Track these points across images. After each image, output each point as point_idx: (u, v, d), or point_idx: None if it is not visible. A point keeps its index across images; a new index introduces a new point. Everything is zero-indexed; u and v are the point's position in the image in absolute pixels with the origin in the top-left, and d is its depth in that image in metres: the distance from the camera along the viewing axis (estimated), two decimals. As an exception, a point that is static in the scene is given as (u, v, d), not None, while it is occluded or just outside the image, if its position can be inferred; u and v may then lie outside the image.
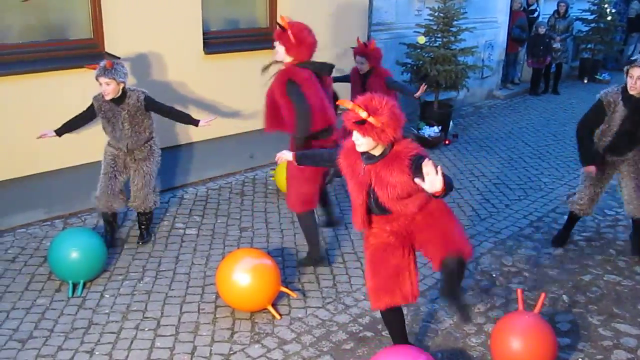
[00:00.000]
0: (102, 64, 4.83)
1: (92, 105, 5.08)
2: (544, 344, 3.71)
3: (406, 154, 3.26)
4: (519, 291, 4.05)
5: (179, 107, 5.44)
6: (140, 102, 5.00)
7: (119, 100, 4.95)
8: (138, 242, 5.45)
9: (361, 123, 3.16)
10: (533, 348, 3.69)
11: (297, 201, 4.94)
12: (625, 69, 4.80)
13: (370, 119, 3.13)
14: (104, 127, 5.12)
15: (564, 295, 4.88)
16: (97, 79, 4.85)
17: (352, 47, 6.82)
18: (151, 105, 5.07)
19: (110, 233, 5.45)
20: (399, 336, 3.84)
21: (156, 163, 5.30)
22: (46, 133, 5.15)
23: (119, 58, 5.20)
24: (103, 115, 5.04)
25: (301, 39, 4.64)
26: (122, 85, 4.91)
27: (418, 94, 6.71)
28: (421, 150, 3.31)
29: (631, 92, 4.76)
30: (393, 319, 3.78)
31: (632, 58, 4.80)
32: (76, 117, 5.17)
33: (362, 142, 3.25)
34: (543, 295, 4.00)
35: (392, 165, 3.27)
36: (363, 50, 6.63)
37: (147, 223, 5.49)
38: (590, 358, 4.13)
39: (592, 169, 5.08)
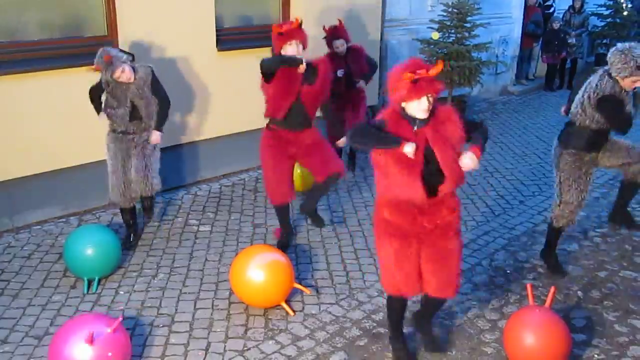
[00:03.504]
0: (100, 60, 4.82)
1: (100, 79, 5.03)
2: (556, 337, 3.70)
3: (454, 112, 3.41)
4: (528, 286, 4.06)
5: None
6: (148, 76, 4.99)
7: None
8: (145, 218, 5.52)
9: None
10: (545, 341, 3.69)
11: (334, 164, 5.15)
12: (622, 76, 4.43)
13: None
14: (107, 105, 5.03)
15: (579, 292, 4.84)
16: (112, 77, 4.84)
17: (324, 38, 6.64)
18: (155, 82, 5.06)
19: (131, 234, 5.42)
20: (398, 323, 3.94)
21: (157, 148, 5.26)
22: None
23: (132, 55, 5.23)
24: (110, 90, 4.97)
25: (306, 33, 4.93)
26: (129, 63, 4.93)
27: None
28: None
29: (628, 90, 4.53)
30: (399, 307, 3.85)
31: (622, 65, 4.39)
32: (92, 89, 5.14)
33: (432, 102, 3.32)
34: (553, 289, 3.98)
35: (447, 123, 3.38)
36: (338, 32, 6.56)
37: (150, 206, 5.47)
38: (605, 354, 4.10)
39: None
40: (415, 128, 3.36)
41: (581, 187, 4.82)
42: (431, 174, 3.39)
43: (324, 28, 6.63)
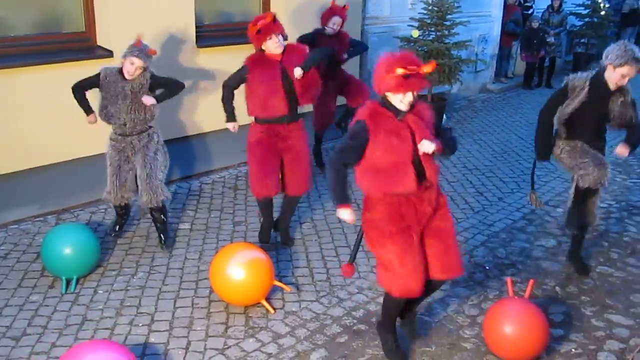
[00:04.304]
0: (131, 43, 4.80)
1: (99, 74, 4.93)
2: (534, 327, 3.80)
3: (427, 107, 3.58)
4: (508, 280, 4.11)
5: (171, 101, 5.39)
6: (145, 80, 4.89)
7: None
8: (162, 248, 5.28)
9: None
10: (523, 329, 3.78)
11: (310, 179, 5.33)
12: (617, 63, 4.46)
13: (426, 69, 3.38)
14: (102, 103, 4.91)
15: (557, 287, 4.89)
16: (124, 57, 4.79)
17: (329, 8, 6.78)
18: (156, 82, 4.96)
19: (118, 224, 5.44)
20: (393, 321, 3.92)
21: (160, 153, 5.11)
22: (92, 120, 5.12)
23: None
24: (105, 87, 4.87)
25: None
26: (144, 67, 4.85)
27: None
28: None
29: (612, 87, 4.54)
30: (400, 305, 3.80)
31: (620, 52, 4.45)
32: (82, 82, 5.00)
33: (415, 99, 3.44)
34: (532, 281, 4.06)
35: (422, 111, 3.51)
36: (342, 11, 6.74)
37: (163, 221, 5.28)
38: (583, 348, 4.15)
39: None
40: (399, 118, 3.44)
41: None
42: (419, 162, 3.45)
43: (332, 2, 6.81)
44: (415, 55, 3.47)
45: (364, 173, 3.51)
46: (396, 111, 3.44)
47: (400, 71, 3.29)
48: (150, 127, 5.08)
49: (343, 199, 3.55)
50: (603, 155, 4.78)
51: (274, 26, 4.87)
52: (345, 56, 6.86)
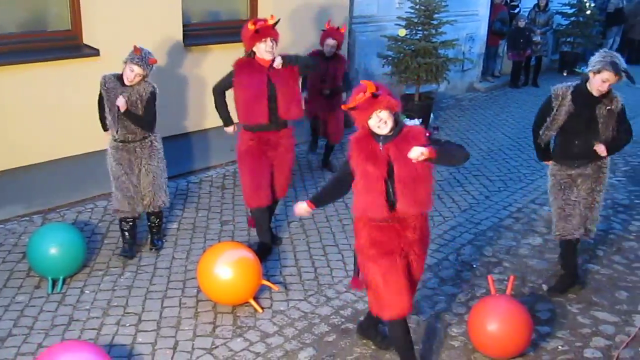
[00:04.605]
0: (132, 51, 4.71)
1: (103, 82, 4.84)
2: (517, 322, 3.84)
3: (420, 131, 3.45)
4: (489, 278, 4.17)
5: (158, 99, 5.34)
6: (145, 94, 4.79)
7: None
8: (151, 249, 5.26)
9: (376, 97, 3.31)
10: (505, 325, 3.82)
11: (287, 187, 5.28)
12: (595, 69, 4.41)
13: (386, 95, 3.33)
14: (106, 108, 4.84)
15: (543, 285, 4.93)
16: (124, 63, 4.72)
17: (322, 30, 6.88)
18: (149, 104, 4.83)
19: (130, 241, 5.16)
20: (408, 349, 3.72)
21: (160, 159, 5.05)
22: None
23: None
24: (105, 91, 4.79)
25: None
26: (144, 75, 4.77)
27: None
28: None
29: (595, 94, 4.50)
30: (401, 332, 3.65)
31: (599, 59, 4.42)
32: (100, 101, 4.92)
33: (388, 121, 3.35)
34: (512, 277, 4.15)
35: (409, 139, 3.38)
36: (335, 33, 6.76)
37: (158, 226, 5.28)
38: (569, 345, 4.18)
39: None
40: (381, 145, 3.41)
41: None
42: (392, 190, 3.44)
43: (326, 24, 6.85)
44: (362, 85, 3.39)
45: (354, 193, 3.55)
46: (377, 137, 3.42)
47: (345, 107, 3.41)
48: (149, 134, 4.96)
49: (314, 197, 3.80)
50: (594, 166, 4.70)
51: (272, 31, 4.80)
52: (327, 92, 6.85)
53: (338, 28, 6.84)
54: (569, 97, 4.55)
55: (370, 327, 4.09)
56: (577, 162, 4.66)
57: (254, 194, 5.01)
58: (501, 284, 4.86)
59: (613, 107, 4.52)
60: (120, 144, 4.91)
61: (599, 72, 4.40)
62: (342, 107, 3.52)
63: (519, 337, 3.86)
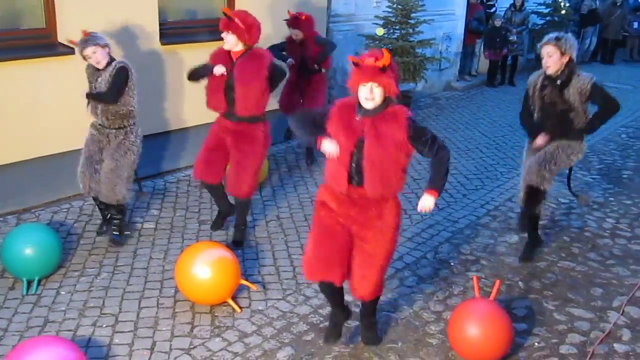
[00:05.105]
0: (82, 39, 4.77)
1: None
2: (500, 329, 3.80)
3: (403, 113, 3.37)
4: (474, 278, 4.14)
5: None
6: (114, 69, 4.80)
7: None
8: (109, 244, 5.24)
9: (383, 71, 3.24)
10: (489, 333, 3.77)
11: (252, 188, 5.25)
12: (541, 45, 4.81)
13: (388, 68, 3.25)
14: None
15: (520, 282, 4.97)
16: (82, 54, 4.76)
17: (285, 20, 6.90)
18: (115, 77, 4.79)
19: (103, 220, 5.37)
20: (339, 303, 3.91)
21: (131, 152, 5.02)
22: None
23: (72, 48, 5.10)
24: (87, 79, 4.92)
25: (250, 24, 4.89)
26: (107, 50, 4.80)
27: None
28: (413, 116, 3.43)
29: (547, 72, 4.79)
30: (329, 292, 3.82)
31: (548, 36, 4.79)
32: None
33: (377, 98, 3.31)
34: (498, 282, 4.08)
35: (390, 121, 3.34)
36: (295, 23, 6.81)
37: (118, 220, 5.21)
38: (545, 342, 4.23)
39: (540, 139, 4.96)
40: (358, 117, 3.39)
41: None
42: (358, 166, 3.42)
43: (288, 12, 6.88)
44: (380, 51, 3.34)
45: (325, 162, 3.57)
46: (359, 108, 3.41)
47: (351, 57, 3.33)
48: (129, 125, 4.99)
49: (316, 137, 3.52)
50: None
51: (226, 24, 4.86)
52: (316, 67, 6.92)
53: (297, 16, 6.81)
54: (539, 83, 4.87)
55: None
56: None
57: (200, 164, 5.21)
58: (479, 281, 4.89)
59: (580, 86, 4.68)
60: (100, 127, 5.00)
61: (542, 48, 4.73)
62: (349, 57, 3.39)
63: (498, 347, 3.82)
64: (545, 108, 4.88)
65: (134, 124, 5.05)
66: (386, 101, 3.39)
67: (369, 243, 3.59)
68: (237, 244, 5.29)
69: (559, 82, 4.78)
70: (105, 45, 4.80)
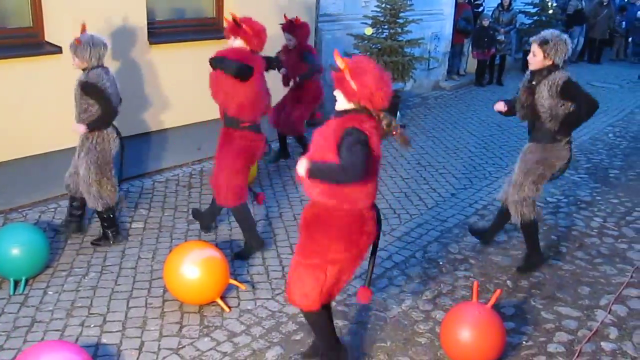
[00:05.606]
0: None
1: None
2: (494, 337, 3.78)
3: (347, 123, 3.17)
4: (475, 284, 4.03)
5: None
6: (79, 81, 4.79)
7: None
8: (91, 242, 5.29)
9: (337, 71, 3.20)
10: (484, 340, 3.75)
11: (232, 196, 4.99)
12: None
13: (346, 73, 3.16)
14: None
15: (508, 281, 5.00)
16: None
17: (280, 24, 6.85)
18: (87, 89, 4.76)
19: (68, 214, 5.35)
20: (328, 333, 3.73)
21: (92, 162, 4.93)
22: None
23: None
24: None
25: (258, 30, 4.87)
26: (85, 65, 4.76)
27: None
28: (367, 128, 3.17)
29: (530, 68, 4.84)
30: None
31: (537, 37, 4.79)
32: None
33: (338, 100, 3.28)
34: (498, 291, 3.97)
35: (331, 125, 3.26)
36: (290, 27, 6.76)
37: (105, 222, 5.21)
38: (533, 341, 4.25)
39: (499, 104, 5.11)
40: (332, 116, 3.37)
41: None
42: None
43: (284, 16, 6.86)
44: (354, 56, 3.33)
45: None
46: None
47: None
48: (93, 129, 4.88)
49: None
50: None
51: (234, 29, 4.85)
52: (297, 80, 6.85)
53: (292, 21, 6.77)
54: (527, 80, 4.94)
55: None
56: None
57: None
58: (466, 280, 4.93)
59: (551, 82, 4.66)
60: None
61: (531, 44, 4.81)
62: (335, 52, 3.30)
63: (490, 355, 3.81)
64: (523, 107, 4.91)
65: (96, 131, 4.93)
66: (353, 110, 3.24)
67: (298, 249, 3.61)
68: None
69: (534, 82, 4.77)
70: (84, 62, 4.75)
